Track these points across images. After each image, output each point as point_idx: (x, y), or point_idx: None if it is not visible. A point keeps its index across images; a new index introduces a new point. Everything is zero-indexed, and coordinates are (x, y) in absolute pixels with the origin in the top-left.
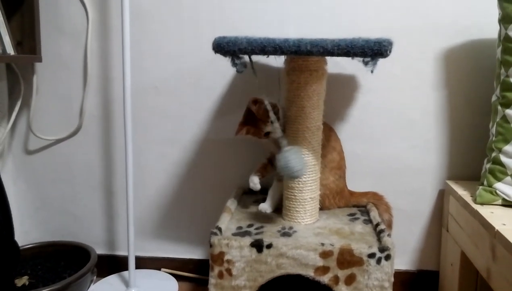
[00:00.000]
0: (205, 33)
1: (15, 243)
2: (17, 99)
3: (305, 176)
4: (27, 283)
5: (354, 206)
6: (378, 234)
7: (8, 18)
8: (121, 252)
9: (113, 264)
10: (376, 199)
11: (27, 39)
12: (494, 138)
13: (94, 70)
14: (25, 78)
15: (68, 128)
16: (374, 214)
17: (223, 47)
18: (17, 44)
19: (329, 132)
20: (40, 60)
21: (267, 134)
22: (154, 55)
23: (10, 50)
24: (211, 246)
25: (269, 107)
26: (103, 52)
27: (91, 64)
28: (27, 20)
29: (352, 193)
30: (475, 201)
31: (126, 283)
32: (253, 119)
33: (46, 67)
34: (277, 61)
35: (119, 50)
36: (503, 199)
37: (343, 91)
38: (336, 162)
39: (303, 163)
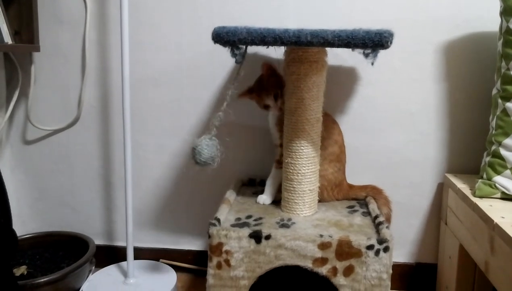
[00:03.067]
0: (204, 24)
1: (13, 231)
2: (15, 89)
3: (304, 168)
4: (25, 272)
5: (353, 199)
6: (377, 226)
7: (6, 7)
8: (119, 243)
9: (112, 255)
10: (375, 192)
11: (25, 28)
12: (494, 131)
13: (92, 61)
14: (23, 67)
15: (66, 119)
16: (373, 206)
17: (222, 37)
18: (15, 34)
19: (332, 125)
20: (38, 49)
21: (267, 107)
22: (153, 46)
23: (8, 40)
24: (209, 237)
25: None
26: (102, 42)
27: (90, 55)
28: (24, 9)
29: (351, 186)
30: (474, 194)
31: (125, 274)
32: (260, 88)
33: (44, 57)
34: (277, 52)
35: (117, 40)
36: (502, 192)
37: (343, 84)
38: (336, 155)
39: (215, 159)
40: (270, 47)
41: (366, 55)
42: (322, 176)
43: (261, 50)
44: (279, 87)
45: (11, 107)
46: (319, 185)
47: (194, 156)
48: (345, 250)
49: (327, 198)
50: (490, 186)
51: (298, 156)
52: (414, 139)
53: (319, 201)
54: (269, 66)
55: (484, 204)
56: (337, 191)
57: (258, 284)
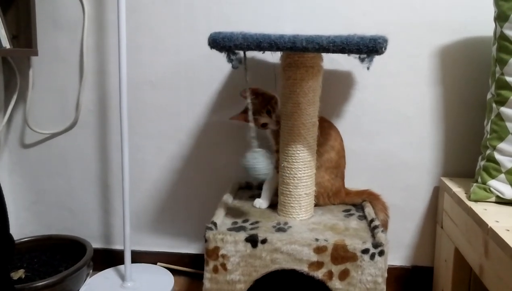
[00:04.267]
0: (201, 28)
1: (10, 236)
2: (13, 93)
3: (300, 172)
4: (23, 276)
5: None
6: (372, 230)
7: (4, 12)
8: (117, 246)
9: (109, 258)
10: (373, 198)
11: (23, 32)
12: (488, 136)
13: (90, 65)
14: (21, 72)
15: (64, 123)
16: (369, 210)
17: (218, 42)
18: (13, 38)
19: (328, 131)
20: (36, 54)
21: (264, 125)
22: (150, 49)
23: (6, 44)
24: (206, 240)
25: (249, 101)
26: (99, 46)
27: (87, 59)
28: (23, 14)
29: (348, 192)
30: (469, 198)
31: (122, 277)
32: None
33: (42, 61)
34: (273, 57)
35: (115, 44)
36: (497, 196)
37: (339, 88)
38: (333, 162)
39: (269, 167)
40: (266, 52)
41: (362, 60)
42: (318, 183)
43: (258, 54)
44: (267, 103)
45: (9, 111)
46: (315, 192)
47: (251, 173)
48: (341, 254)
49: (322, 204)
50: (485, 190)
51: (294, 160)
52: (410, 142)
53: (315, 205)
54: (250, 92)
55: (479, 208)
56: (333, 197)
57: (254, 288)
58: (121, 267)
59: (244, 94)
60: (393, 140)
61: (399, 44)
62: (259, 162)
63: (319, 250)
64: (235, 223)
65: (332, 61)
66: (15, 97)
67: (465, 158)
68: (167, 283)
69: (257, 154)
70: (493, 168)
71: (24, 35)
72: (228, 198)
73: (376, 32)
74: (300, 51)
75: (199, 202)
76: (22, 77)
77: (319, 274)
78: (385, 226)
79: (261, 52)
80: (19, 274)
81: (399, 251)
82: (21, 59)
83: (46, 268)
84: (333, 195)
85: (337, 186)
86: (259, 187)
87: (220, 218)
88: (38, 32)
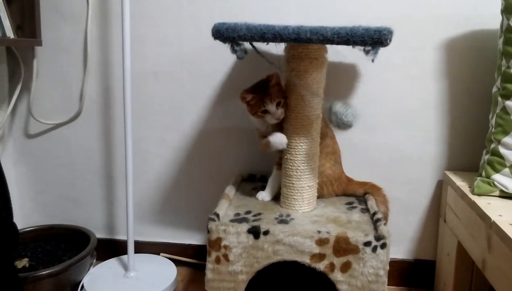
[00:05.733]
0: (205, 19)
1: (13, 225)
2: (17, 83)
3: (303, 164)
4: (27, 265)
5: (351, 195)
6: (375, 222)
7: (8, 2)
8: (120, 237)
9: (113, 248)
10: (374, 190)
11: (27, 22)
12: (493, 129)
13: (94, 55)
14: (25, 62)
15: (68, 113)
16: (372, 203)
17: (222, 33)
18: (17, 28)
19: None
20: (40, 44)
21: (264, 112)
22: (154, 40)
23: (10, 34)
24: (208, 231)
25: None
26: (103, 37)
27: (91, 49)
28: (27, 4)
29: (350, 180)
30: (472, 192)
31: (125, 267)
32: (262, 91)
33: (46, 51)
34: (278, 48)
35: (119, 35)
36: (501, 190)
37: (343, 80)
38: (330, 147)
39: (356, 113)
40: (270, 43)
41: (367, 52)
42: (320, 172)
43: (262, 46)
44: (282, 97)
45: (13, 101)
46: (318, 182)
47: (344, 124)
48: (343, 246)
49: (326, 194)
50: (489, 183)
51: (297, 152)
52: (414, 136)
53: (318, 197)
54: (277, 77)
55: (482, 202)
56: (336, 185)
57: (256, 279)
58: (124, 257)
59: (244, 100)
60: (396, 134)
61: (404, 37)
62: (350, 113)
63: (321, 242)
64: (238, 214)
65: (336, 53)
66: (19, 87)
67: (469, 152)
68: (170, 274)
69: (344, 105)
70: (497, 162)
71: (28, 25)
72: (231, 190)
73: (380, 25)
74: (305, 42)
75: (202, 194)
76: (26, 67)
77: (321, 266)
78: (385, 218)
79: (265, 43)
80: (23, 263)
81: (401, 244)
82: (26, 49)
83: (50, 257)
84: (336, 181)
85: (338, 172)
86: (262, 179)
87: (223, 209)
88: (42, 22)
